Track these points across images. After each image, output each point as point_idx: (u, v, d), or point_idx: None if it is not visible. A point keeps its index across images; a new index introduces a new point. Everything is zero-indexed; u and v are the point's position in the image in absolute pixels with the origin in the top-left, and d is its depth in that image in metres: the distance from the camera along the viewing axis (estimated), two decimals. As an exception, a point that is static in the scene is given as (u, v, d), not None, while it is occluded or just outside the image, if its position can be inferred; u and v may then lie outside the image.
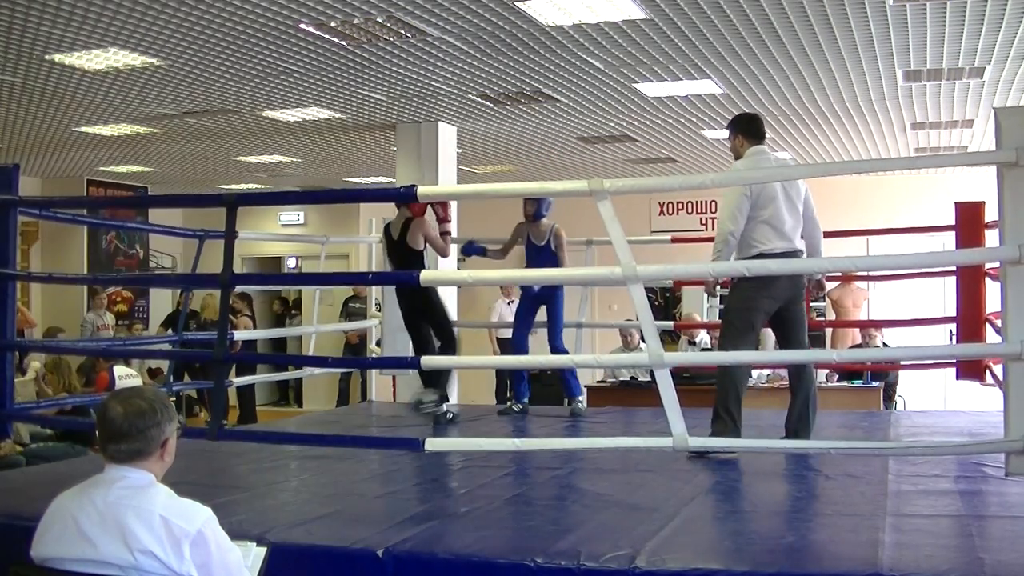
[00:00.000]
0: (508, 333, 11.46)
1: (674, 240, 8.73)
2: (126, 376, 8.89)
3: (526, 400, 7.31)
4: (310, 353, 8.35)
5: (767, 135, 11.06)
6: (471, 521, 3.80)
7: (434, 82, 8.43)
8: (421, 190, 4.13)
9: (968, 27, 6.77)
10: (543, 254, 7.03)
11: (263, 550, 2.84)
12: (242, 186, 14.89)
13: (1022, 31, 6.87)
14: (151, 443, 2.51)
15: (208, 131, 10.57)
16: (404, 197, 4.33)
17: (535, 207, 7.04)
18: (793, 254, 5.13)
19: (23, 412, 5.92)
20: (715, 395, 5.11)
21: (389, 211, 9.48)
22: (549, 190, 4.58)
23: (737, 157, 5.34)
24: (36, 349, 9.21)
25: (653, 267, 4.33)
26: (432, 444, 4.06)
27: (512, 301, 11.66)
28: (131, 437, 2.49)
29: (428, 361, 4.62)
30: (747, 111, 5.67)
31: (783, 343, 5.29)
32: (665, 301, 14.41)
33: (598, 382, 10.79)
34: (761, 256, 5.02)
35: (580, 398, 7.31)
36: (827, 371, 9.95)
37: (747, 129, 5.36)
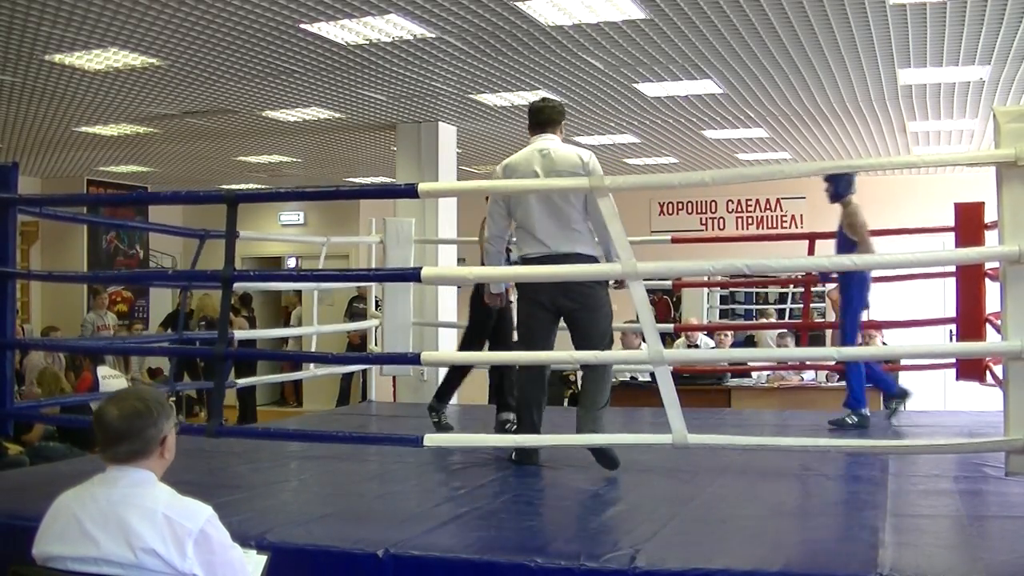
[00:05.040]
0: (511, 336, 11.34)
1: (674, 240, 8.73)
2: (109, 376, 8.89)
3: None
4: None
5: (767, 135, 11.08)
6: (471, 521, 3.80)
7: (434, 82, 8.43)
8: (422, 186, 4.14)
9: (968, 27, 6.77)
10: (839, 236, 6.30)
11: (263, 558, 2.84)
12: (242, 186, 14.89)
13: (1022, 31, 6.88)
14: (149, 443, 2.52)
15: (208, 131, 10.57)
16: (406, 194, 4.33)
17: (832, 187, 6.24)
18: (549, 259, 4.71)
19: (23, 411, 5.92)
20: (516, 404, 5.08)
21: (389, 212, 9.51)
22: (551, 187, 4.58)
23: None
24: (37, 347, 9.23)
25: (653, 264, 4.33)
26: (430, 440, 4.06)
27: (511, 302, 11.32)
28: (128, 438, 2.50)
29: (428, 357, 4.59)
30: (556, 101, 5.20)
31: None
32: (666, 303, 14.39)
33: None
34: (523, 260, 4.86)
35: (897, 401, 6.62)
36: (827, 371, 9.96)
37: (529, 121, 5.06)
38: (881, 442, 4.72)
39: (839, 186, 6.19)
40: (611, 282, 4.94)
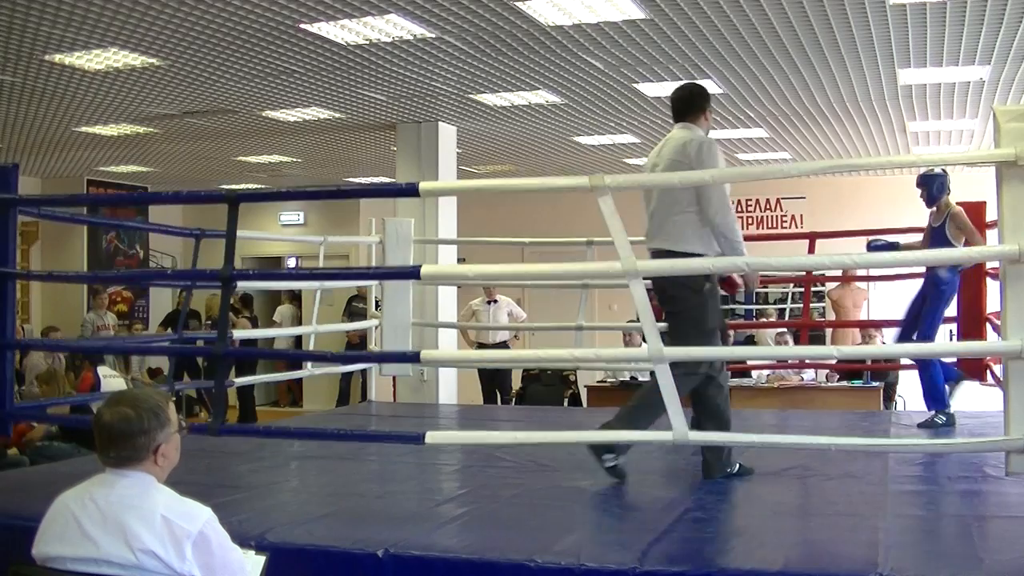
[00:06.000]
0: (495, 337, 11.30)
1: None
2: (109, 376, 8.89)
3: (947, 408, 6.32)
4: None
5: (767, 135, 11.08)
6: (471, 521, 3.80)
7: (434, 82, 8.43)
8: (423, 185, 4.14)
9: (968, 27, 6.77)
10: (937, 236, 6.28)
11: (262, 558, 2.83)
12: (242, 186, 14.89)
13: (1022, 31, 6.88)
14: (140, 451, 2.49)
15: (208, 131, 10.57)
16: (406, 193, 4.34)
17: (926, 192, 6.30)
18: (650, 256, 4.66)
19: (23, 411, 5.91)
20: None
21: (389, 212, 9.50)
22: (551, 186, 4.57)
23: None
24: (37, 347, 9.23)
25: (653, 262, 4.34)
26: (432, 437, 4.06)
27: (494, 301, 11.23)
28: (118, 445, 2.49)
29: (428, 355, 4.57)
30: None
31: None
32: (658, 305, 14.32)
33: (598, 382, 10.80)
34: None
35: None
36: (827, 371, 9.97)
37: None
38: (881, 441, 4.72)
39: (932, 189, 6.28)
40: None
